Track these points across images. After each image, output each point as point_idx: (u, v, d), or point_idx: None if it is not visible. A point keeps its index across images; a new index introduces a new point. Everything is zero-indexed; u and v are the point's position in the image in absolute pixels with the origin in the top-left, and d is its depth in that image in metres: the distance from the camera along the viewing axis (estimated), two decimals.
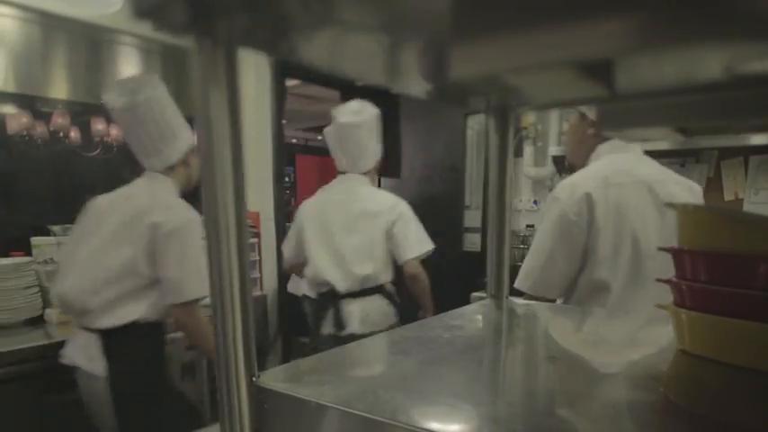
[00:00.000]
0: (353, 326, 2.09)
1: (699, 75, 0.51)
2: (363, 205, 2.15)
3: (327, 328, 2.13)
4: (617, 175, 1.43)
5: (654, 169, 1.50)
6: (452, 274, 3.06)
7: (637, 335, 0.77)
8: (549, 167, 2.92)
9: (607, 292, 1.39)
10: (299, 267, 2.25)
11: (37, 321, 2.03)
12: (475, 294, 2.72)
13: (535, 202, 3.08)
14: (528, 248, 2.75)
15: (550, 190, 3.02)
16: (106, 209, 1.70)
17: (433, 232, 3.16)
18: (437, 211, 3.02)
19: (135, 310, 1.60)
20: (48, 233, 2.35)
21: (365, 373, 0.54)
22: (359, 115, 2.17)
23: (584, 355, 0.65)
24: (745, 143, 2.40)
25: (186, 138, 1.79)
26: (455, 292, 2.92)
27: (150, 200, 1.65)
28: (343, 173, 2.25)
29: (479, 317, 0.82)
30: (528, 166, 2.97)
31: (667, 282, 0.61)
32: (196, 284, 1.64)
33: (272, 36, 0.46)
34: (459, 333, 0.70)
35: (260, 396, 0.50)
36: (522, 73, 0.46)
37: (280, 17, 0.41)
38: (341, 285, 2.08)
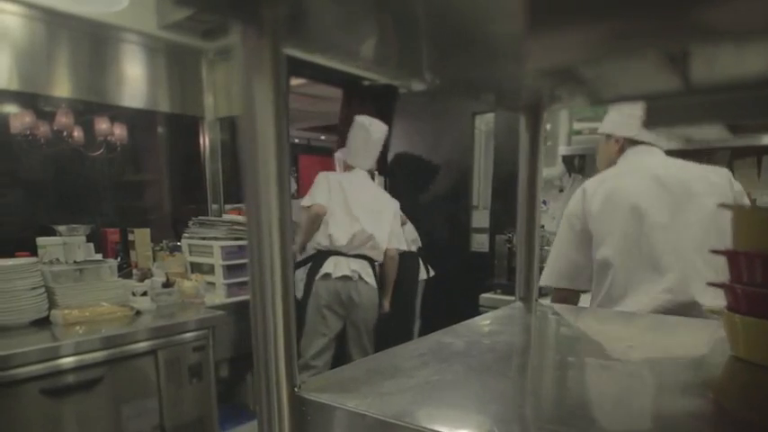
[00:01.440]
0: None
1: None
2: (376, 192, 2.85)
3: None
4: (618, 171, 1.59)
5: (665, 162, 1.59)
6: (460, 274, 3.04)
7: (683, 339, 0.74)
8: (559, 167, 2.89)
9: (608, 267, 1.49)
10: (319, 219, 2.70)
11: (43, 323, 2.00)
12: (484, 296, 2.69)
13: (544, 202, 3.05)
14: (539, 250, 2.73)
15: (560, 190, 3.00)
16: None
17: (440, 232, 3.15)
18: (445, 211, 3.00)
19: None
20: (52, 233, 2.32)
21: (410, 383, 0.51)
22: (383, 133, 2.86)
23: (632, 361, 0.62)
24: (758, 143, 2.37)
25: None
26: (464, 292, 2.89)
27: None
28: (351, 167, 2.83)
29: (514, 321, 0.79)
30: None
31: (721, 286, 0.58)
32: None
33: (324, 30, 0.43)
34: (499, 339, 0.67)
35: (303, 407, 0.47)
36: (599, 64, 0.44)
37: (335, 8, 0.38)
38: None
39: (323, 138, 6.48)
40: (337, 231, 2.65)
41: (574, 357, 0.64)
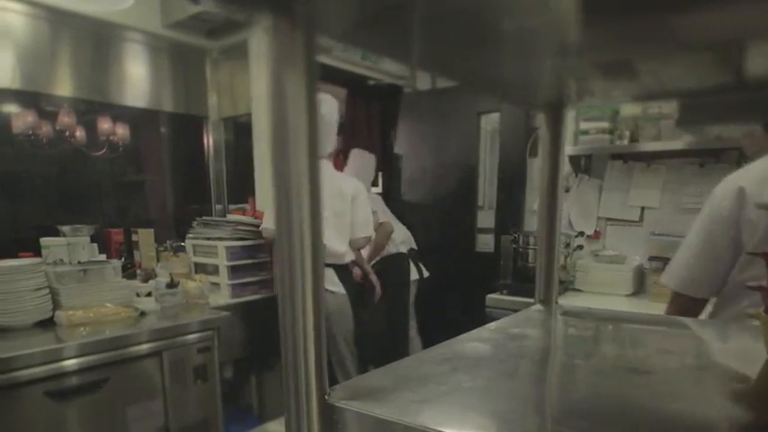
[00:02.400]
0: None
1: None
2: (333, 186, 2.51)
3: None
4: None
5: None
6: (465, 275, 3.02)
7: (713, 343, 0.72)
8: (565, 168, 2.88)
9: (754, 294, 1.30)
10: None
11: (47, 324, 1.98)
12: (491, 296, 2.67)
13: None
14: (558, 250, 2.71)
15: (566, 190, 2.98)
16: None
17: (445, 233, 3.13)
18: (450, 211, 2.98)
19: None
20: (55, 233, 2.30)
21: (442, 390, 0.49)
22: (334, 109, 2.52)
23: (663, 365, 0.60)
24: None
25: None
26: (470, 293, 2.88)
27: None
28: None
29: (537, 324, 0.77)
30: None
31: (758, 288, 0.57)
32: None
33: (357, 24, 0.41)
34: (525, 343, 0.65)
35: (333, 416, 0.45)
36: (658, 58, 0.42)
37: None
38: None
39: None
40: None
41: (605, 363, 0.62)
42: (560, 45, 0.42)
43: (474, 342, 0.64)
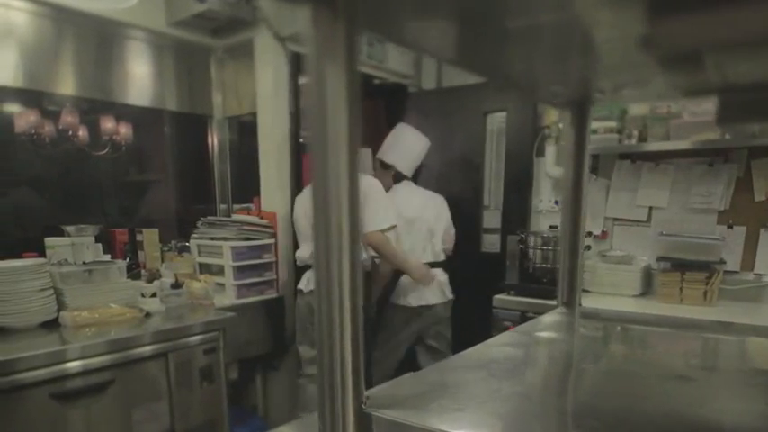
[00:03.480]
0: None
1: None
2: None
3: None
4: None
5: None
6: (471, 275, 3.00)
7: (732, 350, 0.70)
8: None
9: None
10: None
11: (51, 324, 1.96)
12: (498, 297, 2.65)
13: (556, 202, 3.01)
14: (552, 250, 2.71)
15: None
16: None
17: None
18: (455, 211, 2.96)
19: None
20: (58, 233, 2.28)
21: (481, 396, 0.47)
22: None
23: (704, 373, 0.58)
24: None
25: None
26: (477, 294, 2.86)
27: None
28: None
29: (564, 328, 0.75)
30: (550, 166, 2.91)
31: None
32: None
33: (400, 16, 0.39)
34: (556, 347, 0.63)
35: (370, 425, 0.43)
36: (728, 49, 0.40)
37: None
38: None
39: None
40: (302, 247, 2.56)
41: (638, 368, 0.60)
42: (603, 41, 0.41)
43: (504, 347, 0.62)
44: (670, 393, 0.51)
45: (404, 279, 2.70)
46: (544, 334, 0.69)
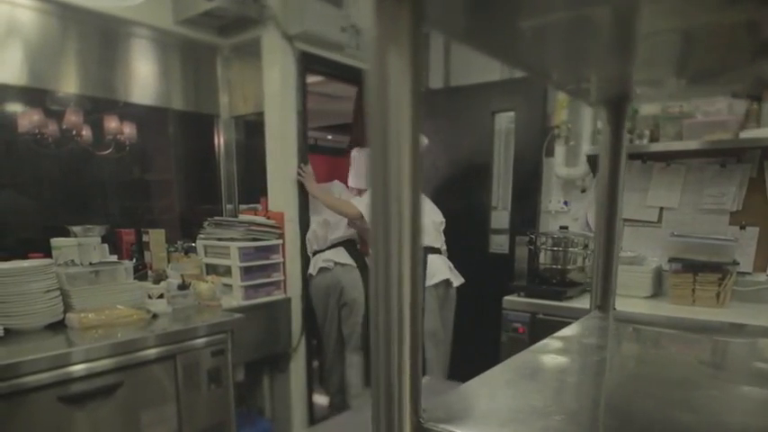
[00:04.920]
0: None
1: None
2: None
3: None
4: None
5: None
6: (479, 276, 2.97)
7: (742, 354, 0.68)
8: (582, 167, 2.83)
9: None
10: None
11: (58, 326, 1.93)
12: (507, 298, 2.62)
13: (565, 203, 2.99)
14: (562, 251, 2.68)
15: (582, 191, 2.94)
16: None
17: (458, 233, 3.08)
18: (463, 211, 2.94)
19: None
20: (62, 233, 2.25)
21: (541, 410, 0.44)
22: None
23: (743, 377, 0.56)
24: None
25: None
26: (485, 294, 2.83)
27: None
28: None
29: (607, 334, 0.72)
30: (559, 166, 2.88)
31: None
32: None
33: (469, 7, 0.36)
34: (606, 356, 0.60)
35: None
36: None
37: None
38: None
39: (329, 137, 6.42)
40: (311, 235, 2.87)
41: (692, 374, 0.58)
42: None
43: (551, 354, 0.59)
44: (745, 405, 0.48)
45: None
46: (590, 341, 0.66)
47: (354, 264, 2.84)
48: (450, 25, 0.43)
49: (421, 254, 0.40)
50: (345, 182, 2.95)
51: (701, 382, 0.56)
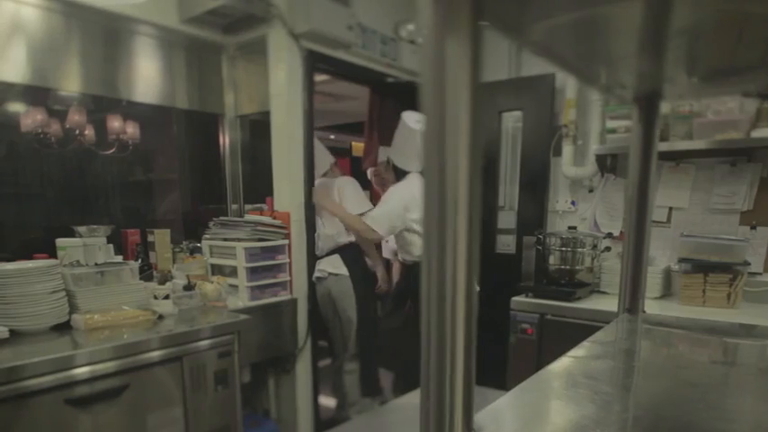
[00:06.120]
0: None
1: None
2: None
3: None
4: None
5: None
6: (486, 276, 2.95)
7: None
8: (590, 167, 2.81)
9: None
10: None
11: (63, 327, 1.91)
12: (515, 299, 2.60)
13: (573, 202, 2.97)
14: (570, 251, 2.66)
15: (590, 191, 2.92)
16: None
17: None
18: None
19: None
20: (66, 233, 2.22)
21: (594, 417, 0.42)
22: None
23: None
24: None
25: None
26: (492, 295, 2.81)
27: None
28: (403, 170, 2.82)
29: (643, 337, 0.70)
30: (567, 166, 2.86)
31: None
32: None
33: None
34: (647, 359, 0.58)
35: None
36: None
37: None
38: None
39: (332, 137, 6.40)
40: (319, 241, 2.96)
41: (740, 380, 0.55)
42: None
43: (591, 360, 0.57)
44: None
45: None
46: (626, 345, 0.64)
47: (347, 273, 2.91)
48: (505, 20, 0.40)
49: (478, 252, 0.38)
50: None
51: (752, 389, 0.54)
